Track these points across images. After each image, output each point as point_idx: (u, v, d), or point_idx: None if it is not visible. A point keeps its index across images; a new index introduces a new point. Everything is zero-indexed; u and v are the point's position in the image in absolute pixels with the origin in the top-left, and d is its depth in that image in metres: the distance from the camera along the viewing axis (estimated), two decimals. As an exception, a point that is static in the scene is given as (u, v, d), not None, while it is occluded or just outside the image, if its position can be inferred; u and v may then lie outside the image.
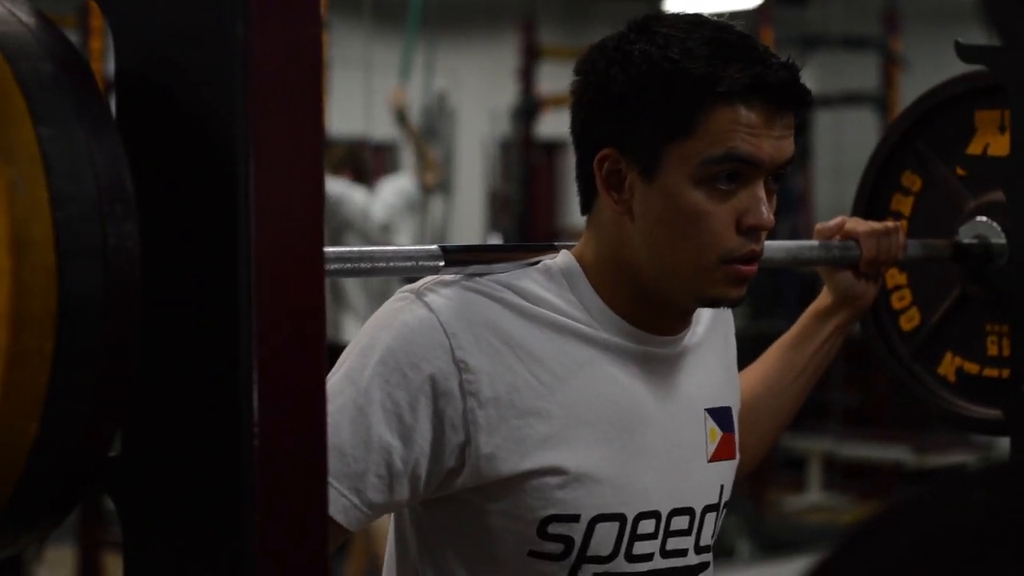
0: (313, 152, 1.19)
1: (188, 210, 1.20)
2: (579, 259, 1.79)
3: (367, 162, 7.87)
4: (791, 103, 1.73)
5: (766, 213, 1.73)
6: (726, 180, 1.71)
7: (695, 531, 1.82)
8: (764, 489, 8.01)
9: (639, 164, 1.72)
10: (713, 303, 1.77)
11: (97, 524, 6.54)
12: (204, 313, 1.19)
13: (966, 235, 2.22)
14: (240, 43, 1.16)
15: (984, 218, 2.22)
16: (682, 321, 1.83)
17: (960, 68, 2.29)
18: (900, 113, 2.40)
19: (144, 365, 1.23)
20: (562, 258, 1.79)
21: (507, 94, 9.72)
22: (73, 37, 6.43)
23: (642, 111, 1.72)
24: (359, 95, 9.06)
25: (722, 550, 6.88)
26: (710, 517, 1.84)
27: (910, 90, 9.51)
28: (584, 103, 1.78)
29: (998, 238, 2.20)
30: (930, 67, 10.14)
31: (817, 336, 2.17)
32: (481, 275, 1.74)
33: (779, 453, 8.86)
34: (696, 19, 1.78)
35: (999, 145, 2.20)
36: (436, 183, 8.09)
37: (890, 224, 2.15)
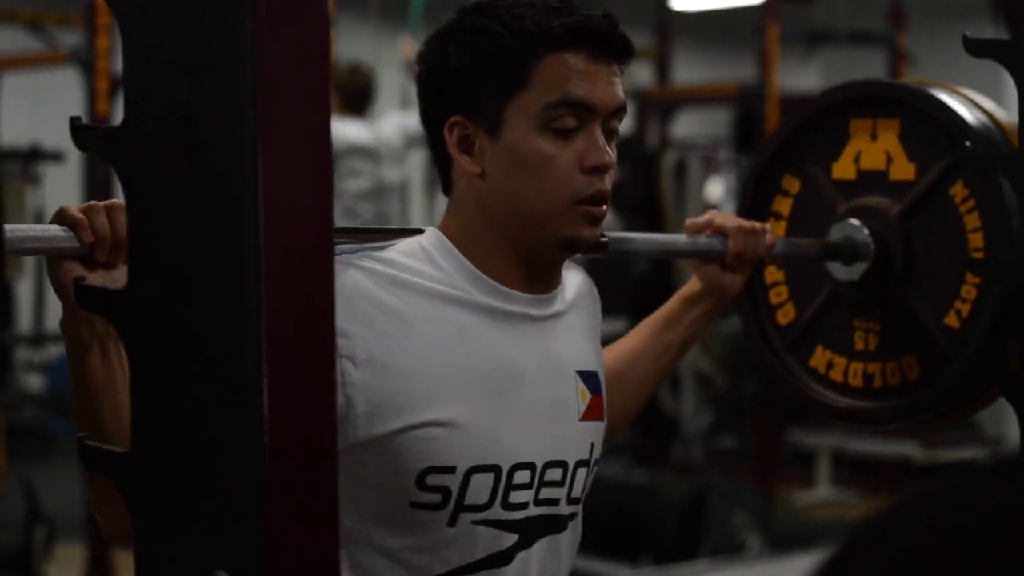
0: (321, 148, 1.19)
1: (197, 207, 1.20)
2: (445, 231, 1.91)
3: (364, 82, 7.08)
4: (614, 49, 1.88)
5: (605, 153, 1.86)
6: (566, 126, 1.85)
7: (567, 483, 1.94)
8: (773, 484, 8.00)
9: (485, 124, 1.86)
10: (571, 244, 1.89)
11: (106, 522, 6.54)
12: (214, 309, 1.19)
13: (835, 235, 2.36)
14: (248, 40, 1.16)
15: (854, 220, 2.34)
16: (550, 277, 1.94)
17: (968, 63, 2.29)
18: (783, 120, 2.57)
19: (153, 360, 1.23)
20: (429, 232, 1.91)
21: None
22: (80, 35, 6.45)
23: (480, 74, 1.85)
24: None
25: (731, 545, 6.88)
26: (581, 472, 1.97)
27: (917, 85, 9.51)
28: (428, 86, 1.92)
29: (865, 239, 2.32)
30: (937, 62, 10.14)
31: (684, 319, 2.29)
32: (355, 252, 1.85)
33: (788, 448, 8.85)
34: None
35: (870, 152, 2.33)
36: None
37: (757, 223, 2.29)
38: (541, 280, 1.93)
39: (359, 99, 6.93)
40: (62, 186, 8.00)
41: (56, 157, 8.28)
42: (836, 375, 2.40)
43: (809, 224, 2.41)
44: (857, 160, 2.39)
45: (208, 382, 1.20)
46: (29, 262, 7.77)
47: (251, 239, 1.15)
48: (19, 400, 10.23)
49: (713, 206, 9.84)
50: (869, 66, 9.72)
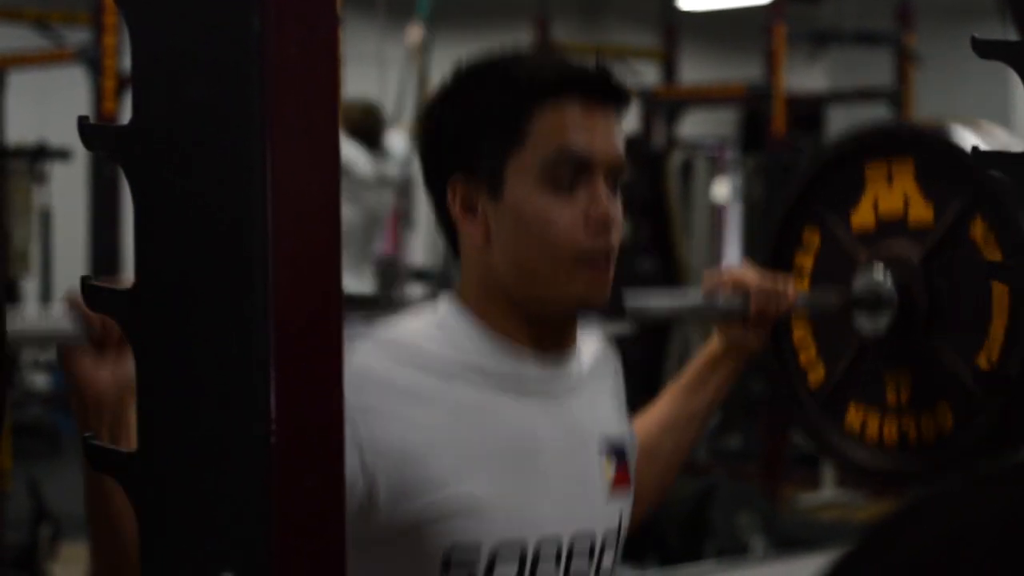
0: (329, 147, 1.19)
1: (205, 206, 1.20)
2: (459, 296, 1.87)
3: (376, 121, 7.15)
4: (609, 96, 1.84)
5: (608, 206, 1.81)
6: (566, 181, 1.80)
7: (596, 555, 1.89)
8: (778, 486, 8.00)
9: (486, 185, 1.82)
10: (580, 303, 1.84)
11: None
12: (221, 309, 1.19)
13: (858, 286, 2.32)
14: (256, 38, 1.16)
15: (876, 270, 2.31)
16: (565, 338, 1.89)
17: (976, 63, 2.28)
18: (798, 172, 2.53)
19: (159, 360, 1.23)
20: (443, 301, 1.87)
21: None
22: (86, 34, 6.45)
23: (477, 133, 1.82)
24: (373, 91, 9.06)
25: (736, 547, 6.87)
26: (611, 542, 1.91)
27: (924, 86, 9.50)
28: (428, 149, 1.89)
29: (888, 289, 2.29)
30: (944, 63, 10.13)
31: (709, 383, 2.23)
32: (366, 331, 1.82)
33: (793, 449, 8.85)
34: (511, 53, 1.89)
35: (888, 197, 2.30)
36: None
37: (779, 277, 2.24)
38: (556, 343, 1.87)
39: (368, 137, 6.97)
40: (69, 184, 8.00)
41: (63, 155, 8.28)
42: (872, 433, 2.34)
43: (832, 276, 2.37)
44: (875, 206, 2.35)
45: (215, 382, 1.19)
46: (35, 261, 7.79)
47: (259, 238, 1.15)
48: (25, 398, 10.24)
49: (719, 206, 9.84)
50: (876, 66, 9.72)
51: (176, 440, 1.23)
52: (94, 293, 1.36)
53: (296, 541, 1.16)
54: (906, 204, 2.30)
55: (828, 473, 9.01)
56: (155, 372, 1.24)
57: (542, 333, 1.86)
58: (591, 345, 1.99)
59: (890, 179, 2.34)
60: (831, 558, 0.93)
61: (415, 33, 7.75)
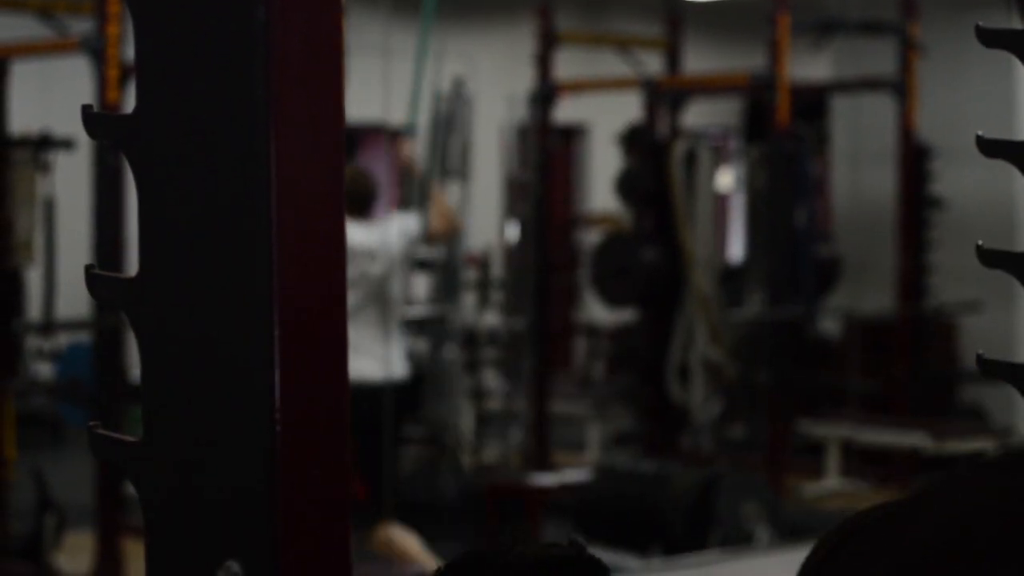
0: (334, 136, 1.19)
1: (209, 196, 1.20)
2: None
3: (366, 187, 6.90)
4: None
5: None
6: None
7: None
8: (782, 475, 8.00)
9: None
10: None
11: (117, 510, 6.56)
12: (225, 298, 1.19)
13: None
14: (261, 28, 1.16)
15: None
16: None
17: (980, 53, 2.28)
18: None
19: (165, 350, 1.23)
20: None
21: (524, 80, 9.71)
22: (90, 23, 6.45)
23: None
24: (377, 81, 9.06)
25: (740, 536, 6.87)
26: None
27: (928, 75, 9.49)
28: None
29: None
30: (949, 52, 10.11)
31: None
32: None
33: (797, 439, 8.85)
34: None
35: None
36: (441, 233, 7.27)
37: None
38: None
39: (360, 204, 6.77)
40: (72, 174, 8.00)
41: (66, 145, 8.28)
42: None
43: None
44: None
45: (219, 371, 1.19)
46: (39, 251, 7.77)
47: (263, 228, 1.15)
48: (29, 388, 10.24)
49: (723, 195, 9.83)
50: (880, 56, 9.72)
51: (181, 429, 1.23)
52: (98, 282, 1.36)
53: (301, 529, 1.16)
54: None
55: (832, 463, 9.02)
56: (159, 361, 1.24)
57: None
58: None
59: None
60: (833, 545, 0.93)
61: (407, 147, 7.75)
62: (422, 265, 8.58)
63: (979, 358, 2.25)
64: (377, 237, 6.71)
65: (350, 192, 6.78)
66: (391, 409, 6.37)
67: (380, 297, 6.69)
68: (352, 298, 6.67)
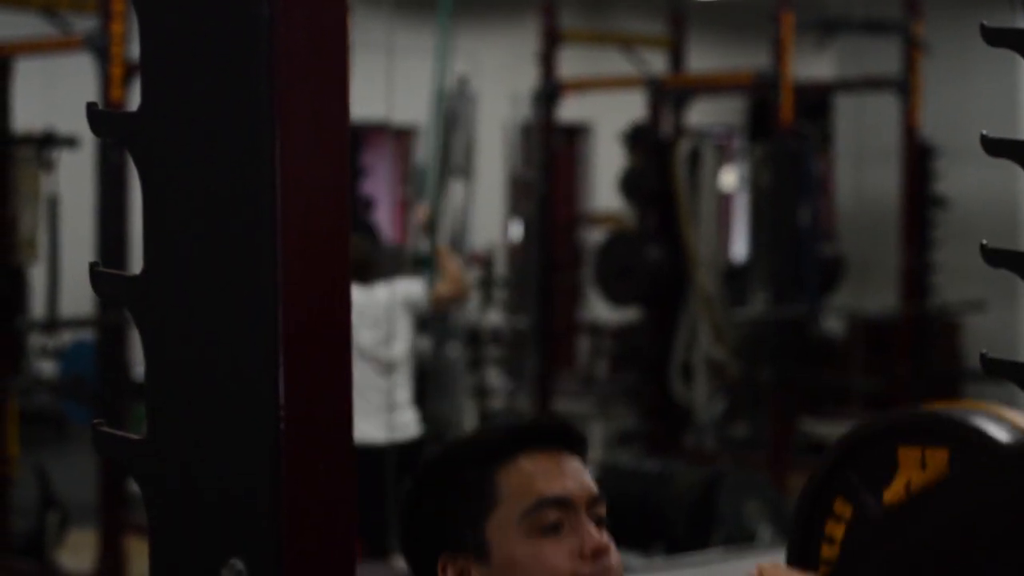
0: (338, 133, 1.19)
1: (214, 193, 1.20)
2: None
3: (364, 254, 6.69)
4: (564, 441, 1.91)
5: (600, 539, 1.86)
6: (552, 526, 1.85)
7: None
8: (785, 474, 8.00)
9: (472, 552, 1.87)
10: None
11: (120, 508, 6.56)
12: (229, 296, 1.19)
13: None
14: (265, 25, 1.16)
15: None
16: None
17: (984, 52, 2.28)
18: (832, 444, 2.59)
19: (169, 348, 1.23)
20: None
21: (528, 78, 9.71)
22: (94, 21, 6.45)
23: (451, 507, 1.89)
24: (381, 79, 9.06)
25: (744, 535, 6.87)
26: None
27: (932, 74, 9.48)
28: (411, 538, 1.94)
29: None
30: (953, 51, 10.10)
31: None
32: None
33: (800, 438, 8.84)
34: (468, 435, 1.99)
35: (921, 481, 2.33)
36: (448, 299, 7.04)
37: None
38: None
39: (358, 272, 6.53)
40: (76, 172, 8.00)
41: (70, 143, 8.28)
42: None
43: (863, 549, 2.40)
44: (908, 487, 2.38)
45: (224, 370, 1.19)
46: (43, 248, 7.77)
47: (267, 225, 1.15)
48: (32, 386, 10.24)
49: (727, 194, 9.83)
50: (884, 55, 9.71)
51: (185, 427, 1.23)
52: (102, 280, 1.36)
53: (305, 528, 1.16)
54: None
55: (835, 462, 9.01)
56: (163, 359, 1.24)
57: None
58: None
59: (924, 465, 2.37)
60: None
61: (422, 212, 7.68)
62: (422, 326, 8.25)
63: (983, 357, 2.25)
64: (377, 300, 6.61)
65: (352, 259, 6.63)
66: (393, 472, 6.34)
67: (379, 361, 6.57)
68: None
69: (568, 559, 1.85)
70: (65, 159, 8.63)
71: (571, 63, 9.63)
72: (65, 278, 7.90)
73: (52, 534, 6.75)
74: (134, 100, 1.28)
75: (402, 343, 6.67)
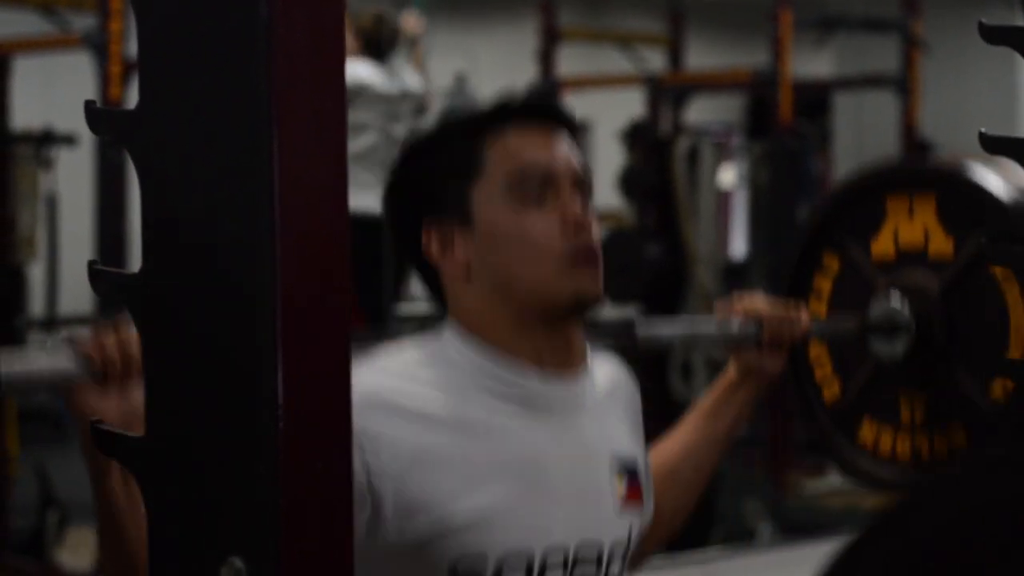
0: (336, 131, 1.19)
1: (212, 191, 1.20)
2: (459, 325, 1.91)
3: (389, 32, 6.84)
4: (552, 116, 1.94)
5: (581, 211, 1.89)
6: (535, 196, 1.88)
7: (604, 564, 1.92)
8: (785, 472, 8.00)
9: (457, 218, 1.89)
10: (577, 303, 1.88)
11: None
12: (228, 293, 1.19)
13: (875, 313, 2.38)
14: (263, 23, 1.16)
15: (894, 298, 2.36)
16: (568, 354, 1.92)
17: (982, 50, 2.28)
18: (822, 199, 2.61)
19: (168, 346, 1.23)
20: (445, 330, 1.92)
21: (526, 76, 9.71)
22: (92, 19, 6.45)
23: (438, 173, 1.91)
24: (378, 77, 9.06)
25: (743, 533, 6.88)
26: (618, 552, 1.94)
27: (931, 73, 9.49)
28: (396, 203, 1.97)
29: (906, 317, 2.34)
30: (951, 49, 10.09)
31: (729, 408, 2.28)
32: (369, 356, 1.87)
33: (800, 435, 8.84)
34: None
35: (908, 229, 2.35)
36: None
37: (791, 305, 2.30)
38: (560, 359, 1.91)
39: (379, 48, 6.77)
40: (75, 170, 8.01)
41: (69, 141, 8.28)
42: (885, 447, 2.39)
43: (851, 300, 2.41)
44: (896, 237, 2.39)
45: (222, 368, 1.19)
46: (41, 246, 7.79)
47: (266, 223, 1.15)
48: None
49: (726, 192, 9.84)
50: (883, 53, 9.71)
51: (184, 425, 1.23)
52: (101, 278, 1.36)
53: (303, 526, 1.16)
54: (927, 237, 2.35)
55: (834, 460, 9.00)
56: (162, 358, 1.24)
57: (544, 342, 1.89)
58: (606, 369, 2.04)
59: (911, 213, 2.38)
60: (839, 544, 0.93)
61: (412, 22, 7.67)
62: None
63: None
64: (394, 83, 6.74)
65: (369, 33, 6.81)
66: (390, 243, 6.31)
67: (392, 141, 6.66)
68: (367, 140, 6.68)
69: (548, 229, 1.87)
70: (64, 157, 8.63)
71: (570, 61, 9.63)
72: (64, 276, 7.90)
73: (51, 532, 6.75)
74: (132, 98, 1.29)
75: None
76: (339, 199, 1.20)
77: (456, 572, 1.81)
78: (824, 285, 2.48)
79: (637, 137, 9.37)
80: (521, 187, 1.87)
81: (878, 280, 2.40)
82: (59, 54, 7.83)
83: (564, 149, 1.92)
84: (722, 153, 9.95)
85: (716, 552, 6.59)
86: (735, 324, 2.24)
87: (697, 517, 7.29)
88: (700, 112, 11.46)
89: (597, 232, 1.91)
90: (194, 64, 1.21)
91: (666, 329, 2.27)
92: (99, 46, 6.26)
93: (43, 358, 1.64)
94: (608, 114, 12.52)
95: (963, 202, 2.30)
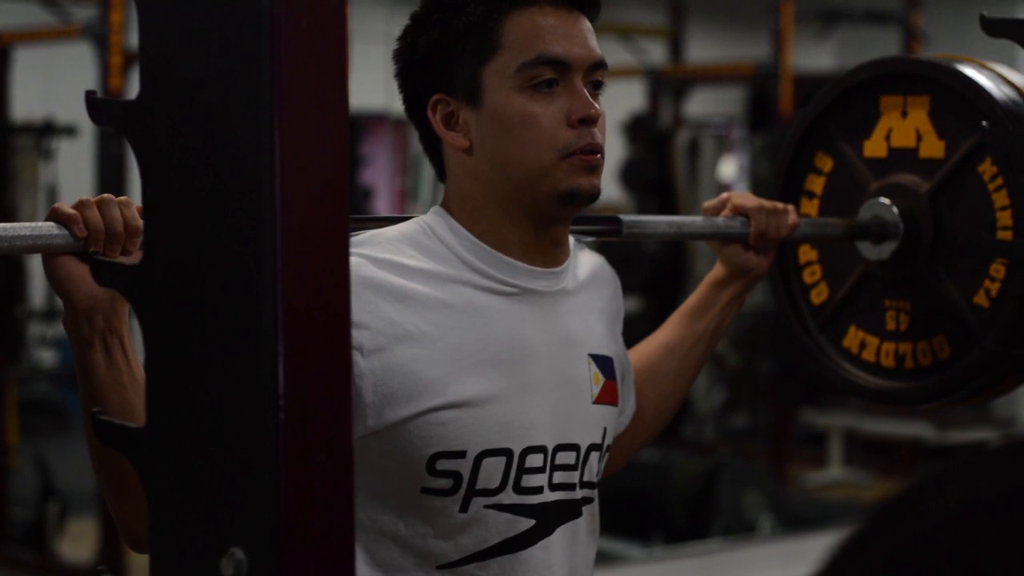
0: (338, 122, 1.19)
1: (213, 181, 1.20)
2: (447, 209, 1.90)
3: None
4: (577, 2, 1.90)
5: (590, 105, 1.87)
6: (545, 84, 1.86)
7: (580, 467, 1.91)
8: (785, 465, 8.00)
9: (465, 95, 1.86)
10: (570, 196, 1.86)
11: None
12: (229, 283, 1.19)
13: (864, 215, 2.35)
14: (265, 13, 1.15)
15: (883, 199, 2.33)
16: (557, 245, 1.92)
17: (984, 42, 2.28)
18: (814, 96, 2.57)
19: (168, 336, 1.23)
20: (431, 212, 1.91)
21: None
22: (93, 10, 6.45)
23: (452, 47, 1.86)
24: (381, 68, 9.06)
25: (743, 526, 6.88)
26: (594, 456, 1.94)
27: (932, 65, 9.46)
28: (406, 73, 1.92)
29: (894, 218, 2.32)
30: (952, 42, 10.09)
31: (714, 306, 2.25)
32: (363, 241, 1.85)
33: (800, 429, 8.85)
34: None
35: (901, 130, 2.33)
36: None
37: (780, 204, 2.27)
38: (545, 247, 1.90)
39: None
40: (75, 161, 8.00)
41: (69, 132, 8.28)
42: (868, 355, 2.38)
43: (842, 202, 2.40)
44: (888, 137, 2.38)
45: (223, 358, 1.19)
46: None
47: (268, 213, 1.15)
48: (32, 375, 10.24)
49: (726, 186, 9.83)
50: (884, 46, 9.71)
51: (184, 416, 1.23)
52: (102, 268, 1.36)
53: (304, 517, 1.16)
54: (918, 138, 2.33)
55: (835, 452, 9.02)
56: (163, 348, 1.24)
57: (530, 237, 1.89)
58: (589, 261, 2.03)
59: (904, 113, 2.37)
60: (838, 537, 0.93)
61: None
62: None
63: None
64: None
65: None
66: None
67: None
68: None
69: (552, 119, 1.85)
70: (64, 148, 8.64)
71: (571, 53, 9.61)
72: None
73: (52, 523, 6.76)
74: (133, 89, 1.29)
75: None
76: (341, 189, 1.19)
77: (433, 468, 1.81)
78: (816, 186, 2.47)
79: (638, 129, 9.36)
80: (534, 72, 1.84)
81: (869, 180, 2.37)
82: (60, 45, 7.83)
83: (585, 37, 1.90)
84: (723, 146, 9.96)
85: (717, 544, 6.60)
86: (721, 219, 2.22)
87: (698, 509, 7.27)
88: (701, 105, 11.46)
89: (603, 128, 1.90)
90: (195, 55, 1.21)
91: (652, 226, 2.24)
92: (100, 37, 6.26)
93: (26, 226, 1.64)
94: (608, 106, 12.52)
95: (956, 104, 2.29)
